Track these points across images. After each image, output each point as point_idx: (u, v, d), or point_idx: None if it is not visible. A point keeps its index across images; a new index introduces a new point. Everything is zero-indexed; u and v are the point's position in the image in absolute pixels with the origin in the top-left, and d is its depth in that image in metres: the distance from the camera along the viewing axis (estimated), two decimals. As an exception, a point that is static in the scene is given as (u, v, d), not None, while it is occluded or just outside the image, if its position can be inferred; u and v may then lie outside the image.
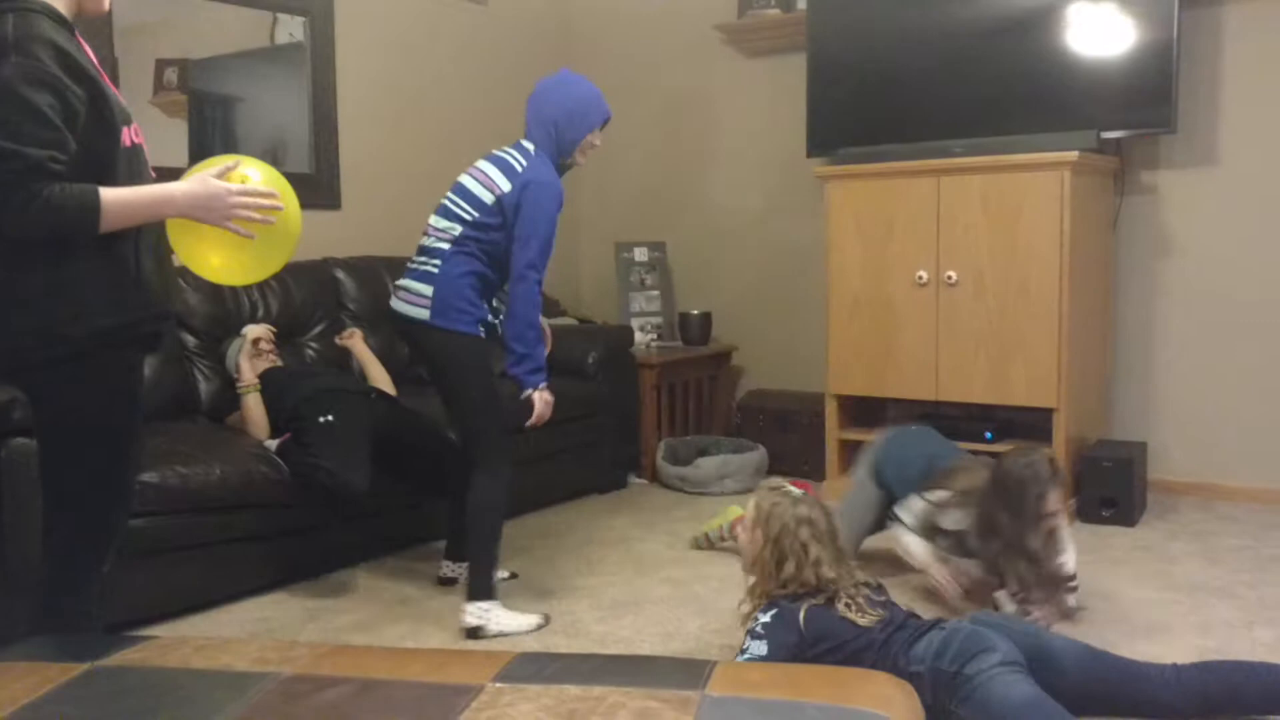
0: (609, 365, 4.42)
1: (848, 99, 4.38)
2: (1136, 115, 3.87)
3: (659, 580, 3.34)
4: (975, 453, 4.06)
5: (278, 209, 1.98)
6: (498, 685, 1.61)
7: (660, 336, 5.05)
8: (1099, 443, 4.08)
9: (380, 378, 3.76)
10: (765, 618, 2.33)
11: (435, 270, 2.90)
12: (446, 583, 3.28)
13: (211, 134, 4.00)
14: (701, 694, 1.56)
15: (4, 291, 1.87)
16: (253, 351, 3.54)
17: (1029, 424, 4.03)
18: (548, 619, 2.97)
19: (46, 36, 1.81)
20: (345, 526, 3.39)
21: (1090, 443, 4.03)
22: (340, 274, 4.17)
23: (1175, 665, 2.30)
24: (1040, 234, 3.77)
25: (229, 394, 3.53)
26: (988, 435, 4.00)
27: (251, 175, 2.00)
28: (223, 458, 3.10)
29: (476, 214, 2.90)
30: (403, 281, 2.96)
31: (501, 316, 2.97)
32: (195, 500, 2.99)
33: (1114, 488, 3.75)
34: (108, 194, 1.82)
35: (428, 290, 2.89)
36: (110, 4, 2.05)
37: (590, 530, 3.92)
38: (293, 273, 3.91)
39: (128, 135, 1.95)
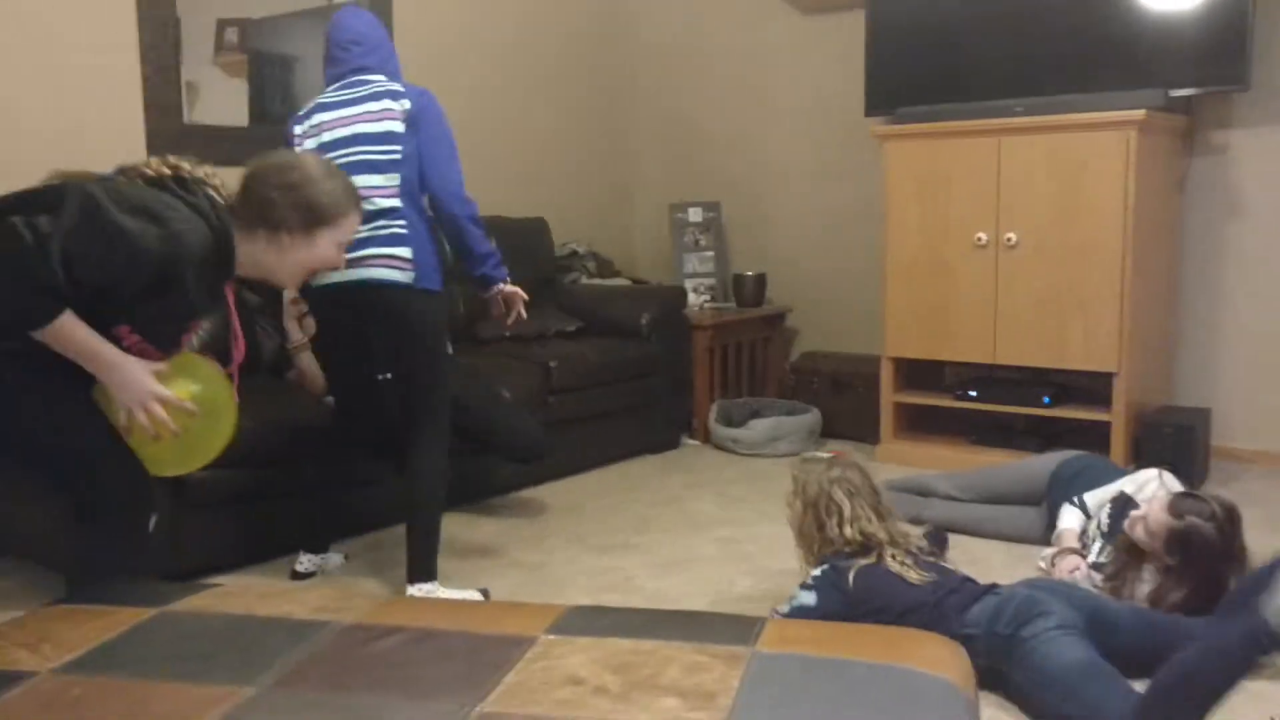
0: (662, 326, 4.42)
1: (907, 57, 4.30)
2: (1207, 72, 3.75)
3: (710, 539, 3.35)
4: (1033, 418, 4.05)
5: (174, 433, 1.99)
6: (550, 637, 1.63)
7: (714, 298, 5.04)
8: (1160, 408, 4.01)
9: (436, 336, 3.79)
10: (816, 572, 2.39)
11: (405, 230, 2.72)
12: (302, 578, 3.03)
13: (271, 94, 4.04)
14: (751, 650, 1.57)
15: None
16: (294, 312, 3.58)
17: (1088, 389, 3.98)
18: (487, 594, 2.87)
19: (184, 247, 1.90)
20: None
21: (1151, 408, 3.96)
22: (397, 233, 4.20)
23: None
24: (1104, 195, 3.69)
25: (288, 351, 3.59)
26: (1045, 399, 3.95)
27: (193, 389, 2.03)
28: (285, 413, 3.16)
29: (401, 148, 2.73)
30: (368, 250, 2.69)
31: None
32: (257, 453, 3.05)
33: (1175, 455, 3.67)
34: (67, 320, 1.86)
35: (407, 253, 2.71)
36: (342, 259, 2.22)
37: (643, 489, 3.95)
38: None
39: (124, 332, 1.99)
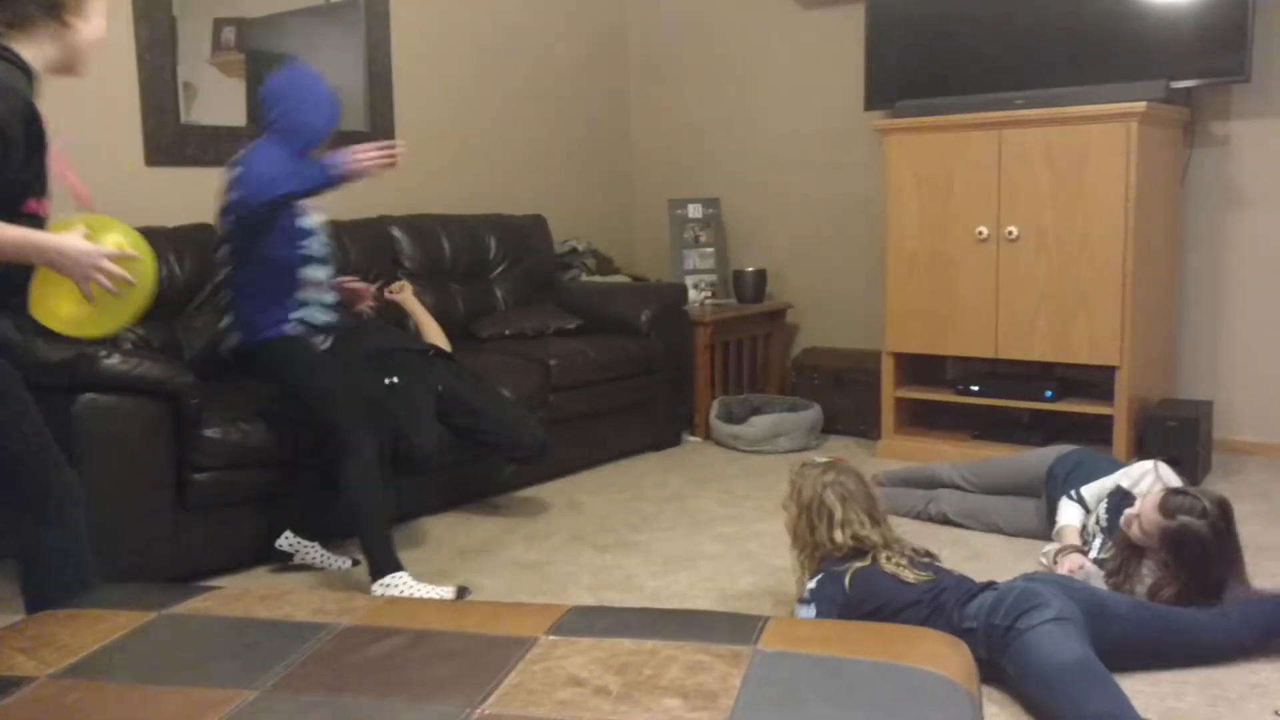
0: (662, 323, 4.41)
1: (907, 50, 4.29)
2: (1208, 63, 3.74)
3: (712, 537, 3.35)
4: (1036, 412, 4.04)
5: (130, 283, 2.03)
6: (551, 638, 1.62)
7: (714, 294, 5.03)
8: (1162, 401, 3.99)
9: (434, 332, 3.78)
10: (812, 583, 2.38)
11: (231, 295, 3.01)
12: (282, 556, 3.12)
13: (269, 93, 4.02)
14: (753, 649, 1.56)
15: None
16: None
17: (1091, 382, 3.97)
18: (463, 591, 2.89)
19: (22, 91, 1.96)
20: (406, 481, 3.43)
21: (1153, 401, 3.95)
22: (396, 231, 4.19)
23: (1222, 608, 2.34)
24: (1105, 188, 3.68)
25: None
26: (1048, 394, 3.94)
27: (119, 238, 2.06)
28: (284, 414, 3.15)
29: (226, 217, 2.95)
30: (219, 326, 3.08)
31: (314, 315, 3.07)
32: (258, 455, 3.05)
33: (1178, 447, 3.66)
34: None
35: (229, 319, 3.02)
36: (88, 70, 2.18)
37: (644, 487, 3.94)
38: (349, 230, 3.95)
39: (33, 204, 2.02)
